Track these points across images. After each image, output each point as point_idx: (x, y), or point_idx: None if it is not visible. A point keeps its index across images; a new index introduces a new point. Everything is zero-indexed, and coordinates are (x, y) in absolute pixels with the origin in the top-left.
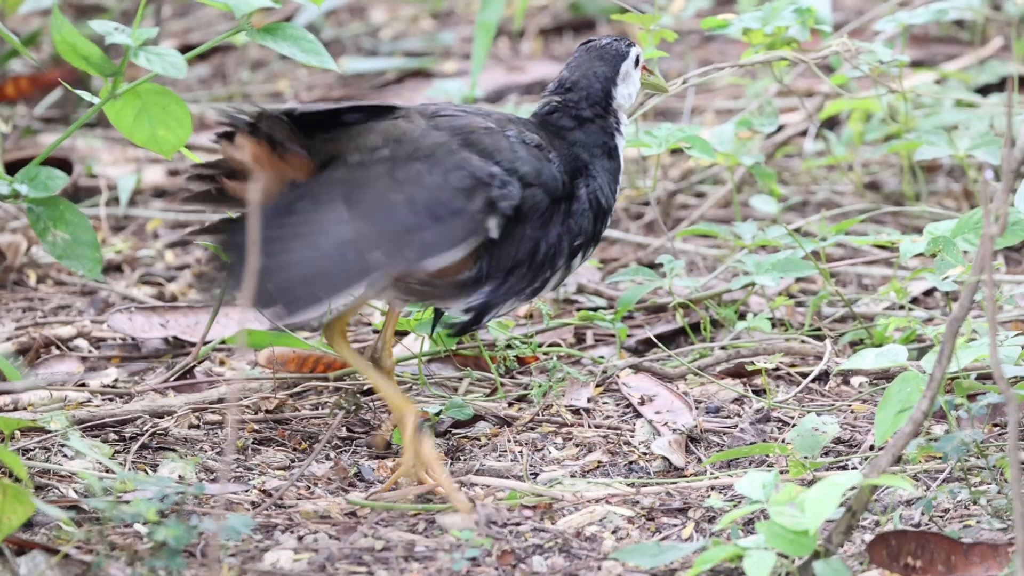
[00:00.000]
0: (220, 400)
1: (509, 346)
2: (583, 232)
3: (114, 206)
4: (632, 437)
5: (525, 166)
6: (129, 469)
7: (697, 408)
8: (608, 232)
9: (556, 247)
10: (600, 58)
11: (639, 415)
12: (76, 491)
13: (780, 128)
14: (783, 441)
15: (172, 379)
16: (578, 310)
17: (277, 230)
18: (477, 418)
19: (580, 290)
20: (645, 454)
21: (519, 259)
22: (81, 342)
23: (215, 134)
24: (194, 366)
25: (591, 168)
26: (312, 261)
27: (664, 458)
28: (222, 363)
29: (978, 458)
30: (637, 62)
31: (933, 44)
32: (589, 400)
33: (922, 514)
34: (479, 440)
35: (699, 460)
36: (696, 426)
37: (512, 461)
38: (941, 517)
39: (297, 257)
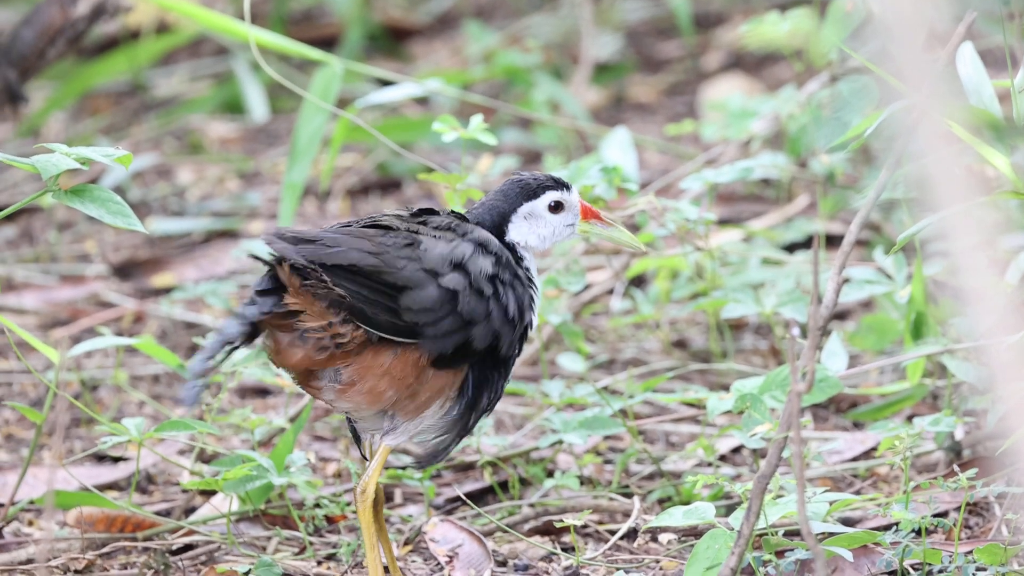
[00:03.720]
0: (29, 560)
1: (318, 505)
2: None
3: None
4: None
5: None
6: None
7: (506, 567)
8: None
9: None
10: (504, 194)
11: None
12: None
13: (587, 286)
14: None
15: None
16: (387, 468)
17: None
18: None
19: None
20: None
21: None
22: None
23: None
24: (2, 527)
25: None
26: None
27: None
28: (31, 523)
29: None
30: (555, 206)
31: (740, 202)
32: (399, 559)
33: None
34: None
35: None
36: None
37: None
38: None
39: None
